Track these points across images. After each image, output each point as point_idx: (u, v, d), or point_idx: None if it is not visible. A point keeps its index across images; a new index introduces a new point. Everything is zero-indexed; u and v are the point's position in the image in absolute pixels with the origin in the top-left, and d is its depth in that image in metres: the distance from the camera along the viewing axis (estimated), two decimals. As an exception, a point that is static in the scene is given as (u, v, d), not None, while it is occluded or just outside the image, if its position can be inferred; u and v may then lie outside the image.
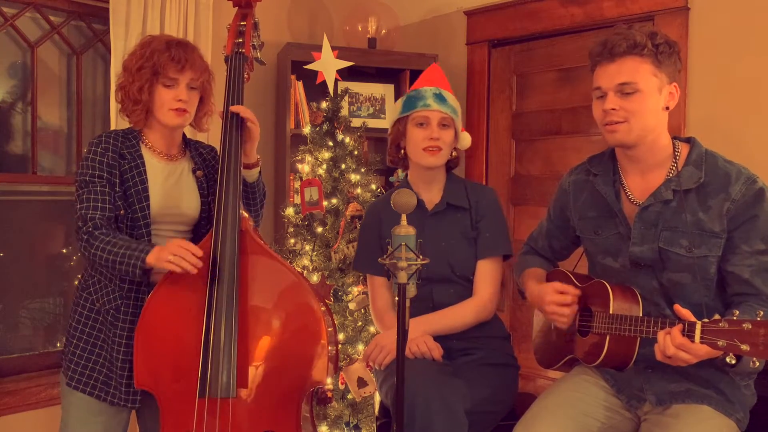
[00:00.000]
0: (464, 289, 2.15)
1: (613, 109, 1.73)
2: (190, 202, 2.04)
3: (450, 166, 2.24)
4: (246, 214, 2.00)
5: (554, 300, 1.85)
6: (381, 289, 2.22)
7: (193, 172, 2.07)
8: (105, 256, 1.83)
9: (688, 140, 1.81)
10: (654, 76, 1.71)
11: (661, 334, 1.56)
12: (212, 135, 2.28)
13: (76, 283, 3.16)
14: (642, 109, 1.71)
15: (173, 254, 1.79)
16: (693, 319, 1.52)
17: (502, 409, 2.07)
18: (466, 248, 2.15)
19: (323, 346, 1.86)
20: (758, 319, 1.41)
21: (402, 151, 2.22)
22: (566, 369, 2.01)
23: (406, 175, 2.29)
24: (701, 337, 1.48)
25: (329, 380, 2.83)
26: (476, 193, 2.20)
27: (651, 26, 1.77)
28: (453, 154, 2.21)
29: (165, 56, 1.93)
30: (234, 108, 1.97)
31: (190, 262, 1.79)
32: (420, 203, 2.18)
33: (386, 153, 2.32)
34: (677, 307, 1.56)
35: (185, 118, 1.99)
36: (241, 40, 2.06)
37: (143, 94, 1.94)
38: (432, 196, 2.20)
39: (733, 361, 1.46)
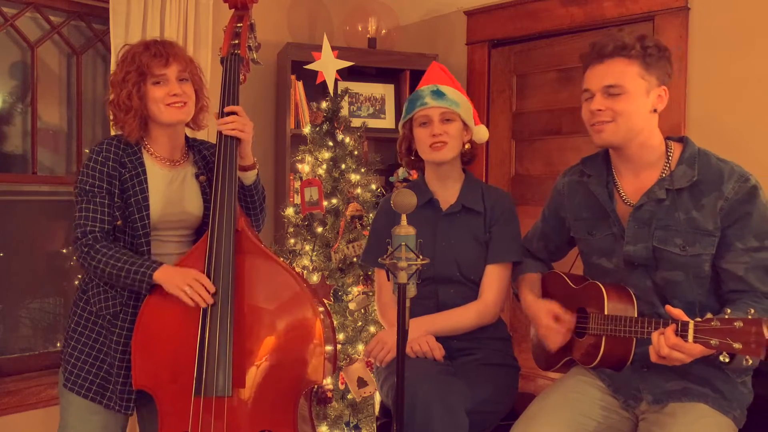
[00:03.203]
0: (470, 290, 2.15)
1: (600, 110, 1.75)
2: (192, 206, 2.03)
3: (465, 160, 2.24)
4: (241, 213, 1.99)
5: (549, 326, 1.90)
6: (387, 284, 2.22)
7: (196, 177, 2.06)
8: (108, 270, 1.84)
9: (681, 139, 1.82)
10: (641, 78, 1.73)
11: (654, 335, 1.57)
12: (211, 132, 2.28)
13: (76, 282, 3.16)
14: (629, 110, 1.73)
15: (189, 285, 1.80)
16: (686, 318, 1.53)
17: (502, 410, 2.07)
18: (475, 251, 2.14)
19: (319, 346, 1.86)
20: (749, 317, 1.42)
21: (414, 153, 2.23)
22: (564, 371, 2.02)
23: (422, 174, 2.28)
24: (694, 337, 1.49)
25: (329, 380, 2.83)
26: (492, 198, 2.19)
27: (642, 30, 1.78)
28: (466, 146, 2.20)
29: (147, 55, 1.91)
30: (228, 109, 1.96)
31: (203, 297, 1.81)
32: (435, 203, 2.19)
33: (398, 158, 2.31)
34: (669, 307, 1.57)
35: (185, 112, 1.96)
36: (236, 42, 2.05)
37: (133, 100, 1.91)
38: (447, 196, 2.20)
39: (727, 360, 1.46)
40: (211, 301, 1.82)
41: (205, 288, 1.81)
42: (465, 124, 2.17)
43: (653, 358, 1.58)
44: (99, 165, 1.91)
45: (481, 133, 2.27)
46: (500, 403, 2.07)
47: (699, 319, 1.50)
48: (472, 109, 2.23)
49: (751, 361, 1.46)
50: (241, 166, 2.01)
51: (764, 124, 2.57)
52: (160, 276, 1.82)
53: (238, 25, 2.08)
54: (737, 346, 1.41)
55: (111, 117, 1.99)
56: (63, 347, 2.01)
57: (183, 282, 1.81)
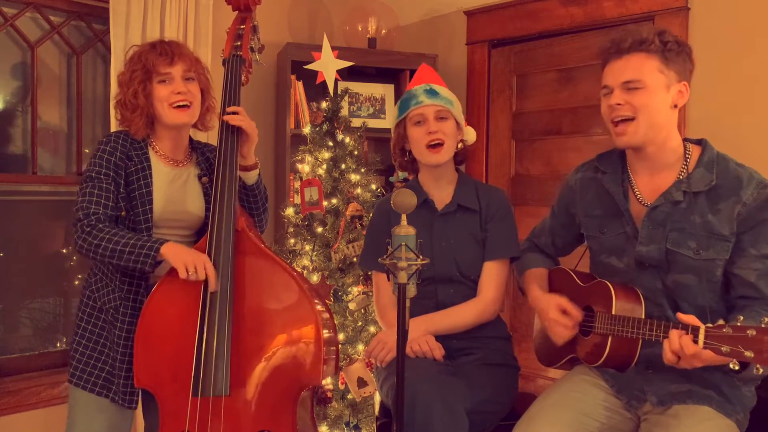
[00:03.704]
0: (469, 289, 2.15)
1: (619, 104, 1.73)
2: (194, 207, 2.03)
3: (458, 160, 2.24)
4: (242, 213, 1.99)
5: (557, 320, 1.87)
6: (385, 285, 2.22)
7: (199, 178, 2.07)
8: (111, 246, 1.82)
9: (699, 142, 1.81)
10: (661, 72, 1.71)
11: (675, 333, 1.54)
12: (212, 134, 2.28)
13: (76, 282, 3.17)
14: (648, 104, 1.71)
15: (194, 265, 1.79)
16: (697, 323, 1.51)
17: (502, 410, 2.07)
18: (473, 249, 2.14)
19: (318, 346, 1.86)
20: (763, 326, 1.40)
21: (408, 154, 2.23)
22: (567, 367, 2.01)
23: (416, 176, 2.28)
24: (705, 342, 1.47)
25: (329, 380, 2.83)
26: (487, 195, 2.19)
27: (660, 27, 1.77)
28: (459, 146, 2.20)
29: (153, 54, 1.93)
30: (230, 109, 1.96)
31: (199, 276, 1.80)
32: (430, 203, 2.19)
33: (392, 159, 2.31)
34: (680, 315, 1.56)
35: (190, 114, 1.97)
36: (239, 43, 2.05)
37: (139, 98, 1.92)
38: (443, 196, 2.20)
39: (737, 368, 1.45)
40: (212, 285, 1.82)
41: (208, 277, 1.81)
42: (458, 123, 2.17)
43: (668, 357, 1.56)
44: (107, 155, 1.93)
45: (470, 134, 2.28)
46: (500, 403, 2.06)
47: (710, 325, 1.48)
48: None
49: (762, 370, 1.44)
50: (242, 166, 2.02)
51: (764, 123, 2.57)
52: (168, 250, 1.81)
53: (241, 27, 2.08)
54: (749, 354, 1.39)
55: (118, 117, 2.01)
56: (71, 343, 2.02)
57: (190, 260, 1.80)
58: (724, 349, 1.44)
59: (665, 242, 1.74)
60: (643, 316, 1.72)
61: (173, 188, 2.00)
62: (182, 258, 1.80)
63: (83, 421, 1.96)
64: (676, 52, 1.71)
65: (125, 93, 1.95)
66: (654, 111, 1.71)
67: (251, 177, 2.07)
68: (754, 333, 1.40)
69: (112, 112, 2.84)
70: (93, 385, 1.95)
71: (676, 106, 1.75)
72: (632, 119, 1.72)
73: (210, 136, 2.69)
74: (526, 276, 2.11)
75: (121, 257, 1.82)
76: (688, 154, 1.77)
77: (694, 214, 1.71)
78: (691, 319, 1.53)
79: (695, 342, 1.49)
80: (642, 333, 1.65)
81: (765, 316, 1.44)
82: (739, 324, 1.44)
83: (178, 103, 1.94)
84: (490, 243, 2.14)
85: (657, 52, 1.70)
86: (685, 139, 1.81)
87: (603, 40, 1.82)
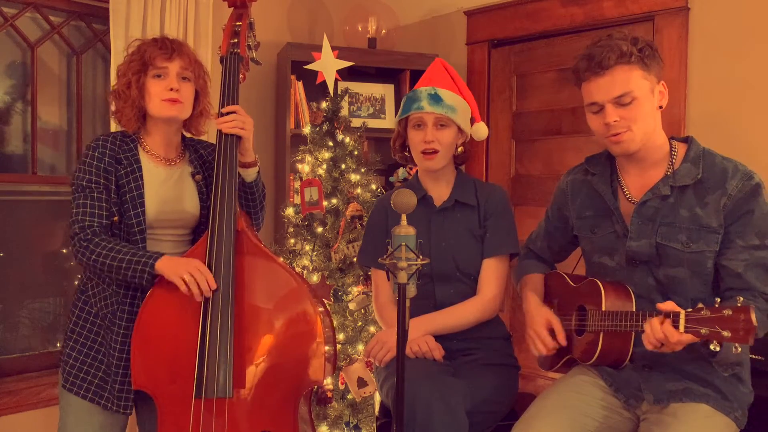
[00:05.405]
0: (468, 287, 2.14)
1: (616, 121, 1.74)
2: (190, 205, 2.02)
3: (458, 161, 2.24)
4: (241, 213, 1.99)
5: (539, 335, 1.91)
6: (384, 283, 2.22)
7: (192, 176, 2.05)
8: (108, 262, 1.82)
9: (686, 139, 1.83)
10: (644, 79, 1.73)
11: (656, 320, 1.57)
12: (210, 132, 2.27)
13: (76, 282, 3.16)
14: (641, 114, 1.73)
15: (190, 273, 1.79)
16: (678, 309, 1.55)
17: (502, 410, 2.07)
18: (472, 246, 2.14)
19: (319, 346, 1.86)
20: (738, 305, 1.45)
21: (407, 149, 2.23)
22: (565, 370, 2.02)
23: (416, 173, 2.28)
24: (685, 327, 1.52)
25: (329, 380, 2.83)
26: (485, 192, 2.20)
27: (627, 31, 1.80)
28: (459, 149, 2.20)
29: (153, 47, 1.93)
30: (226, 109, 1.95)
31: (202, 288, 1.79)
32: (428, 199, 2.19)
33: (391, 153, 2.32)
34: (659, 305, 1.59)
35: (179, 109, 1.95)
36: (236, 41, 2.04)
37: (131, 89, 1.91)
38: (441, 193, 2.20)
39: (718, 348, 1.49)
40: (208, 293, 1.81)
41: (207, 281, 1.80)
42: (459, 129, 2.16)
43: (650, 341, 1.59)
44: (95, 161, 1.91)
45: (481, 131, 2.27)
46: (500, 403, 2.06)
47: (690, 310, 1.53)
48: (471, 107, 2.23)
49: (740, 349, 1.48)
50: (241, 163, 2.01)
51: (764, 123, 2.57)
52: (162, 265, 1.81)
53: (237, 23, 2.07)
54: (726, 334, 1.45)
55: (113, 108, 2.00)
56: (62, 347, 2.01)
57: (184, 270, 1.80)
58: (703, 331, 1.49)
59: (655, 237, 1.76)
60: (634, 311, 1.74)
61: (167, 188, 1.99)
62: (177, 271, 1.80)
63: (74, 425, 1.95)
64: (651, 56, 1.74)
65: (120, 83, 1.94)
66: (645, 118, 1.74)
67: (250, 174, 2.06)
68: (730, 312, 1.45)
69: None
70: (85, 391, 1.93)
71: (661, 107, 1.78)
72: (627, 131, 1.74)
73: (208, 134, 2.69)
74: (522, 282, 2.13)
75: (119, 272, 1.83)
76: (674, 151, 1.80)
77: (682, 208, 1.74)
78: (670, 306, 1.57)
79: (676, 327, 1.53)
80: (629, 325, 1.68)
81: (740, 296, 1.49)
82: (716, 305, 1.48)
83: (168, 99, 1.93)
84: (489, 240, 2.14)
85: (637, 62, 1.72)
86: (671, 138, 1.84)
87: (579, 52, 1.81)
